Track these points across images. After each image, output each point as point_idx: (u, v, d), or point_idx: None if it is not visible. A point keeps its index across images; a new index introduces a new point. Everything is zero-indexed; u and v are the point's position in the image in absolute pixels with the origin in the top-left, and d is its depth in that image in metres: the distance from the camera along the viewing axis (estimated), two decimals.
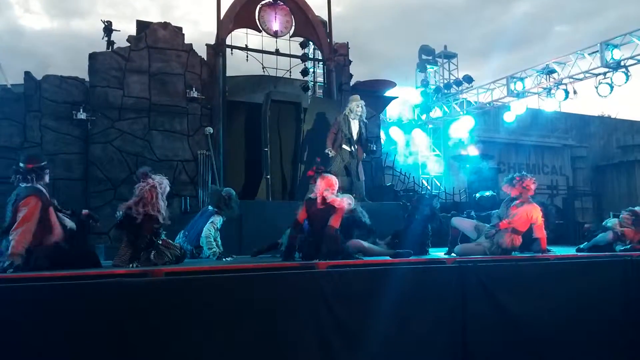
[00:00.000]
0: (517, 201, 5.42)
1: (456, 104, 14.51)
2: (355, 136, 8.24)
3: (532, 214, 5.37)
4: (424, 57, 15.42)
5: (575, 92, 12.07)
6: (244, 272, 4.09)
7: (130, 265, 4.44)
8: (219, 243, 5.85)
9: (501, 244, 5.31)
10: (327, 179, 5.02)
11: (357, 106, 8.26)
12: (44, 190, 4.35)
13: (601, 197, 17.42)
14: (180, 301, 3.58)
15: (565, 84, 11.99)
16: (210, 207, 6.03)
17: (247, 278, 3.99)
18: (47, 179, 4.47)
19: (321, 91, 11.50)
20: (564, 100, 12.21)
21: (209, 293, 3.70)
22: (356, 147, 8.27)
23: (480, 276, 4.57)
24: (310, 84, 11.48)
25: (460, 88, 14.40)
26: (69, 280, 3.51)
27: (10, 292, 3.25)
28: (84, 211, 5.02)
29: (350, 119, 8.23)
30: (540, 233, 5.48)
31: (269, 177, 8.80)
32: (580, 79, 11.82)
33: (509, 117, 13.57)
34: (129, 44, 9.76)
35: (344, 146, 8.21)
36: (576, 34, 29.50)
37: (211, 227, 5.73)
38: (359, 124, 8.31)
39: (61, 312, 3.25)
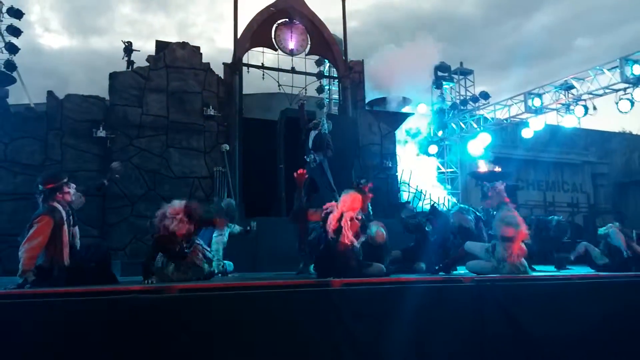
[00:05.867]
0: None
1: (473, 120, 14.41)
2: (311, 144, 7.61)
3: (505, 218, 5.29)
4: (439, 73, 15.39)
5: (594, 108, 11.90)
6: (261, 290, 4.06)
7: (145, 281, 4.44)
8: (220, 254, 5.90)
9: (501, 257, 5.21)
10: (352, 195, 4.90)
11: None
12: (60, 209, 4.34)
13: (623, 215, 16.98)
14: (195, 318, 3.56)
15: (585, 100, 11.84)
16: None
17: (262, 295, 3.96)
18: (68, 197, 4.45)
19: (336, 108, 11.53)
20: (583, 116, 12.03)
21: (223, 310, 3.67)
22: (318, 155, 7.54)
23: (498, 295, 4.46)
24: (326, 101, 11.55)
25: (476, 104, 14.31)
26: (85, 296, 3.52)
27: (25, 308, 3.27)
28: (114, 163, 5.39)
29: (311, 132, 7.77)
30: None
31: (284, 193, 8.80)
32: (600, 95, 11.67)
33: (527, 133, 13.41)
34: (148, 64, 9.96)
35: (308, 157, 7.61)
36: (598, 48, 29.04)
37: (219, 241, 5.84)
38: (319, 133, 7.66)
39: (77, 328, 3.25)
